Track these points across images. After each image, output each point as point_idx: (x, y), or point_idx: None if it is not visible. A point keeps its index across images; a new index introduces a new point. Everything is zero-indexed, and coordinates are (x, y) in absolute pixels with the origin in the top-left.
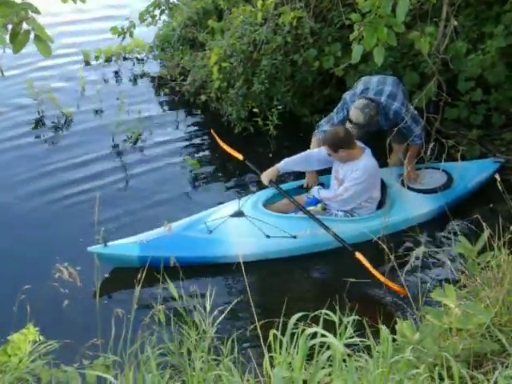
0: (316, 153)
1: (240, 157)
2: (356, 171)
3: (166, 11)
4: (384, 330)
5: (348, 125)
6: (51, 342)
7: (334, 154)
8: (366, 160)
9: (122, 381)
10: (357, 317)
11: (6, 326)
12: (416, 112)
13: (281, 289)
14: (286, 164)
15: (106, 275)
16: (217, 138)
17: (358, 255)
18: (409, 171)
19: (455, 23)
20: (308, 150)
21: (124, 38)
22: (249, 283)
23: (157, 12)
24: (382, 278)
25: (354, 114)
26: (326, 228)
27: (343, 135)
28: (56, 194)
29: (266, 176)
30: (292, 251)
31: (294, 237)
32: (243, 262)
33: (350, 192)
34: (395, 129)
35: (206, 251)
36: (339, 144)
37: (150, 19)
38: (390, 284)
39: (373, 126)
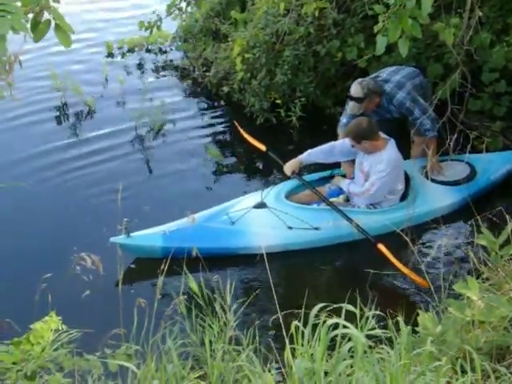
0: (339, 144)
1: (263, 148)
2: (380, 164)
3: (192, 2)
4: (402, 322)
5: (350, 103)
6: (73, 331)
7: (357, 145)
8: (389, 151)
9: (143, 370)
10: (378, 311)
11: (29, 314)
12: (427, 105)
13: (303, 280)
14: (310, 155)
15: (129, 265)
16: (240, 129)
17: (381, 247)
18: (432, 163)
19: (480, 14)
20: (331, 142)
21: (151, 32)
22: (271, 274)
23: (183, 4)
24: (404, 270)
25: (353, 87)
26: (349, 219)
27: (366, 126)
28: (78, 184)
29: (288, 167)
30: (314, 243)
31: (317, 228)
32: (265, 254)
33: (377, 186)
34: (418, 121)
35: (228, 242)
36: (362, 135)
37: (176, 11)
38: (413, 276)
39: (385, 115)
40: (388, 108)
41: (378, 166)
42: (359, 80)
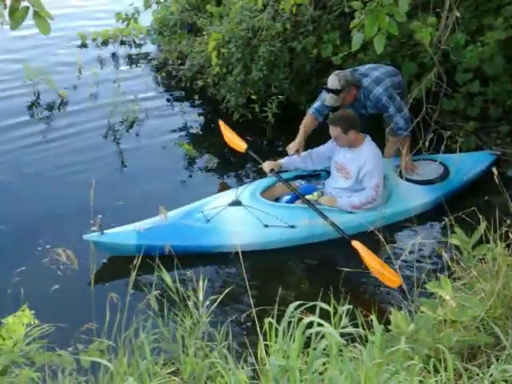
0: (316, 151)
1: (243, 146)
2: (368, 161)
3: None
4: (375, 321)
5: (327, 95)
6: (46, 326)
7: (342, 135)
8: (369, 146)
9: (116, 366)
10: (351, 306)
11: (1, 308)
12: (402, 104)
13: (277, 278)
14: (289, 160)
15: (102, 260)
16: (223, 128)
17: (355, 244)
18: (406, 162)
19: (458, 14)
20: (309, 150)
21: (128, 24)
22: (245, 272)
23: None
24: (376, 271)
25: (330, 79)
26: (324, 216)
27: (354, 116)
28: (49, 177)
29: (268, 165)
30: (290, 241)
31: (293, 226)
32: (240, 252)
33: (380, 187)
34: (391, 119)
35: (203, 240)
36: (351, 124)
37: (154, 5)
38: (383, 277)
39: (360, 109)
40: (364, 103)
41: (367, 166)
42: (336, 72)
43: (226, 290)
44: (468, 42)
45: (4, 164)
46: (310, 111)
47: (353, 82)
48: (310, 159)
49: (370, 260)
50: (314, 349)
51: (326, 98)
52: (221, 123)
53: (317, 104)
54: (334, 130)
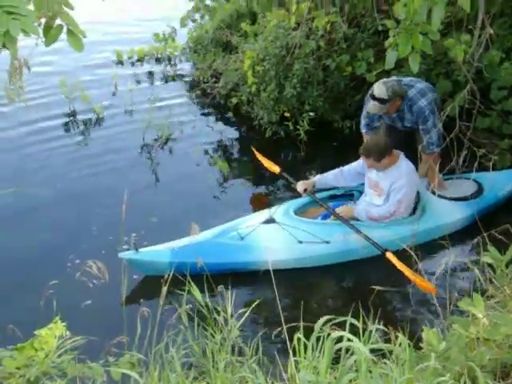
0: (347, 168)
1: (277, 169)
2: (400, 178)
3: (207, 16)
4: (403, 337)
5: (371, 102)
6: (77, 338)
7: (377, 164)
8: (403, 163)
9: (146, 379)
10: (381, 323)
11: (34, 320)
12: (438, 120)
13: (307, 294)
14: (321, 178)
15: (133, 275)
16: (256, 152)
17: (389, 255)
18: (434, 179)
19: (491, 32)
20: (341, 167)
21: (166, 43)
22: (276, 288)
23: (197, 16)
24: (412, 277)
25: (377, 87)
26: (358, 231)
27: (384, 143)
28: (84, 191)
29: (301, 184)
30: (325, 257)
31: (327, 242)
32: (273, 269)
33: (405, 202)
34: (425, 134)
35: (237, 257)
36: (383, 153)
37: (190, 24)
38: (419, 282)
39: (397, 121)
40: (403, 115)
41: (398, 182)
42: (384, 80)
43: (256, 302)
44: (503, 59)
45: (39, 179)
46: (363, 130)
47: (399, 93)
48: (341, 176)
49: (405, 268)
50: (343, 365)
51: (369, 106)
52: (254, 150)
53: (363, 120)
54: (367, 162)
